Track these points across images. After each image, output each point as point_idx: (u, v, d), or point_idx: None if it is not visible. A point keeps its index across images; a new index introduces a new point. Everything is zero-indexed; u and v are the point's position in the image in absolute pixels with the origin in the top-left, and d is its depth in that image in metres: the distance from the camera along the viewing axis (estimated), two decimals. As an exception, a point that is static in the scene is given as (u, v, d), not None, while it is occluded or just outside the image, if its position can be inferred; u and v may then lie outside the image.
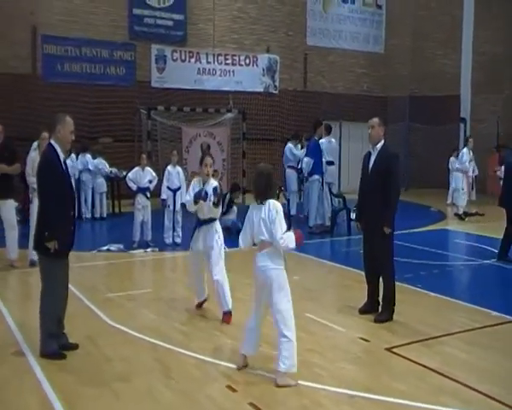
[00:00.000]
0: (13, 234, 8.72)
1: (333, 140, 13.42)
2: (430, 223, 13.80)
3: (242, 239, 5.07)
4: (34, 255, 8.66)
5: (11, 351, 5.13)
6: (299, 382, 4.77)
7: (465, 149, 14.91)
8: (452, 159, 17.39)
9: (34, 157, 8.42)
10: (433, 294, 7.51)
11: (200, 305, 6.85)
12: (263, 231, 4.83)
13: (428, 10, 21.66)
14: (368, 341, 5.79)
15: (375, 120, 6.55)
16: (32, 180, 8.11)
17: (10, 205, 8.72)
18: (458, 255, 10.52)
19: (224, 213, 11.76)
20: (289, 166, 13.69)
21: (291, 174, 13.62)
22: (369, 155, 6.64)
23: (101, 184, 14.03)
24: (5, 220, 8.68)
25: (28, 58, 16.30)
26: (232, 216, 11.79)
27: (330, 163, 13.05)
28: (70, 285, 7.68)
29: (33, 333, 5.72)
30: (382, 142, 6.53)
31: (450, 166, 17.39)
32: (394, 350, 5.55)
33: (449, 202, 17.02)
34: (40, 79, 16.20)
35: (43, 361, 5.13)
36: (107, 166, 14.23)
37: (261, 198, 4.88)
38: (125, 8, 17.55)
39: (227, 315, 6.34)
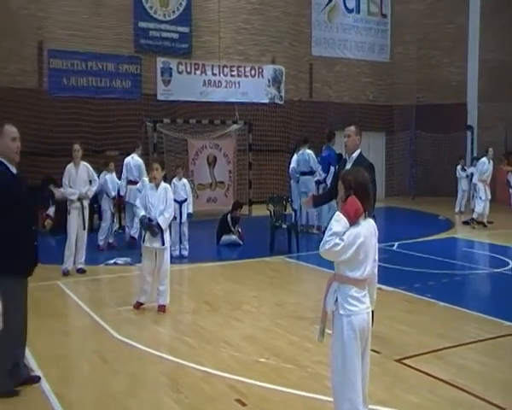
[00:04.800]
0: None
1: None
2: (438, 231, 13.70)
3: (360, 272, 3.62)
4: (82, 264, 9.30)
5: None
6: (308, 394, 4.70)
7: (484, 159, 14.82)
8: (459, 167, 17.35)
9: None
10: (442, 303, 7.41)
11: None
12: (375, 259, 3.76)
13: (434, 19, 21.66)
14: (378, 352, 5.70)
15: (352, 128, 6.44)
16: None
17: None
18: (468, 264, 10.40)
19: (227, 232, 11.78)
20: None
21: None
22: (344, 162, 6.49)
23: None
24: None
25: (35, 73, 16.39)
26: (234, 237, 11.78)
27: None
28: (77, 299, 7.81)
29: (40, 347, 5.69)
30: (358, 151, 6.39)
31: (457, 175, 17.33)
32: (405, 361, 5.47)
33: (457, 210, 16.94)
34: (46, 94, 16.27)
35: (50, 375, 5.09)
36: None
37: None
38: (130, 21, 17.63)
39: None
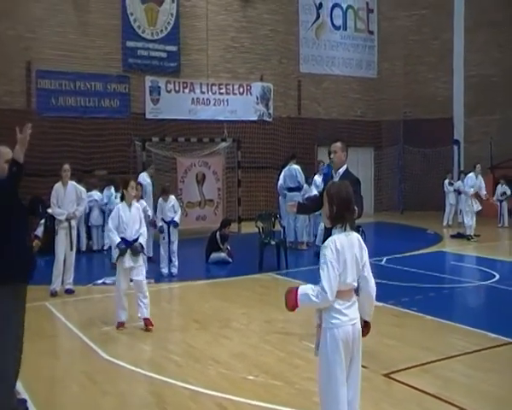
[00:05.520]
0: None
1: None
2: (427, 245, 13.78)
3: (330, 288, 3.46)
4: (70, 285, 9.27)
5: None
6: (297, 412, 4.70)
7: (471, 174, 14.93)
8: (447, 181, 17.53)
9: None
10: (429, 317, 7.45)
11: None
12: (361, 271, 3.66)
13: (419, 35, 22.00)
14: (366, 367, 5.71)
15: (338, 144, 6.50)
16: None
17: None
18: (455, 277, 10.47)
19: (216, 250, 11.79)
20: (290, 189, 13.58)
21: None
22: (331, 178, 6.51)
23: (97, 217, 13.99)
24: None
25: (23, 93, 16.42)
26: (223, 255, 11.79)
27: None
28: (65, 320, 7.77)
29: (27, 369, 5.67)
30: (345, 167, 6.46)
31: (445, 189, 17.51)
32: (393, 376, 5.49)
33: (445, 223, 17.08)
34: (35, 114, 16.26)
35: (37, 398, 5.06)
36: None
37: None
38: (118, 41, 17.74)
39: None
